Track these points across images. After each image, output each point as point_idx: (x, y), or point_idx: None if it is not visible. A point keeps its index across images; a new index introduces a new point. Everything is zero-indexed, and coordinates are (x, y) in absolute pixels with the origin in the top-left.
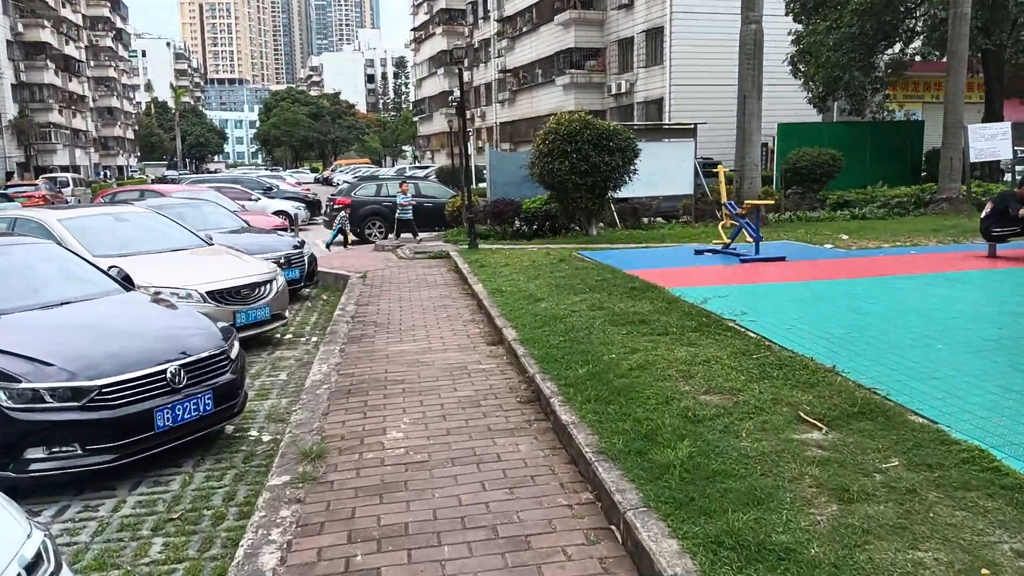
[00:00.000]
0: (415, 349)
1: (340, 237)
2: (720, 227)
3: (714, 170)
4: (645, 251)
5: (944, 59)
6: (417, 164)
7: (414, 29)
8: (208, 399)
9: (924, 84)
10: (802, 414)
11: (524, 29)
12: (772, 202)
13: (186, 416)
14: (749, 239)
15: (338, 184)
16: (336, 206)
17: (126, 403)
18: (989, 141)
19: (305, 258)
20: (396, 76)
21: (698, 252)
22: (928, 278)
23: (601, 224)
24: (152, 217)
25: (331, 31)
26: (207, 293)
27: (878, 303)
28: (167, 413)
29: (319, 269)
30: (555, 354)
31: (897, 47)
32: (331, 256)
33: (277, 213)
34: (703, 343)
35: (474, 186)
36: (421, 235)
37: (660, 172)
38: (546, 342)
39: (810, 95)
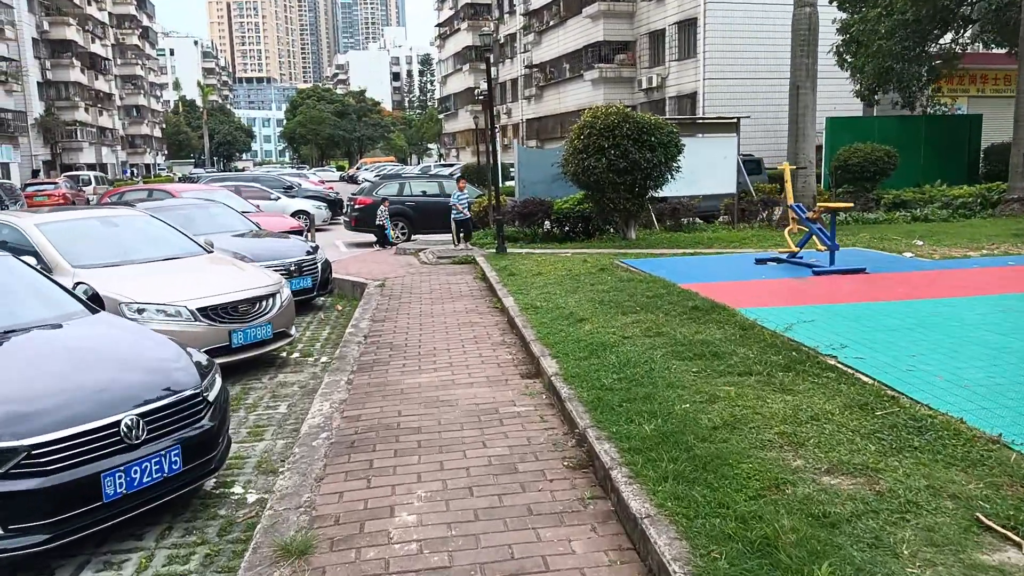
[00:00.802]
0: (435, 382)
1: (381, 235)
2: (787, 232)
3: (779, 167)
4: (694, 259)
5: (1006, 48)
6: (442, 162)
7: (439, 25)
8: (175, 456)
9: (970, 77)
10: (981, 517)
11: (551, 23)
12: (850, 205)
13: (145, 480)
14: (821, 247)
15: (362, 183)
16: (357, 206)
17: (65, 467)
18: None
19: (319, 265)
20: (421, 74)
21: (759, 261)
22: None
23: (639, 226)
24: (146, 221)
25: (357, 29)
26: (198, 310)
27: (1008, 333)
28: (119, 477)
29: (335, 276)
30: (609, 399)
31: (948, 36)
32: (349, 260)
33: (297, 213)
34: (802, 390)
35: (502, 184)
36: (444, 238)
37: (700, 169)
38: (596, 380)
39: (858, 88)
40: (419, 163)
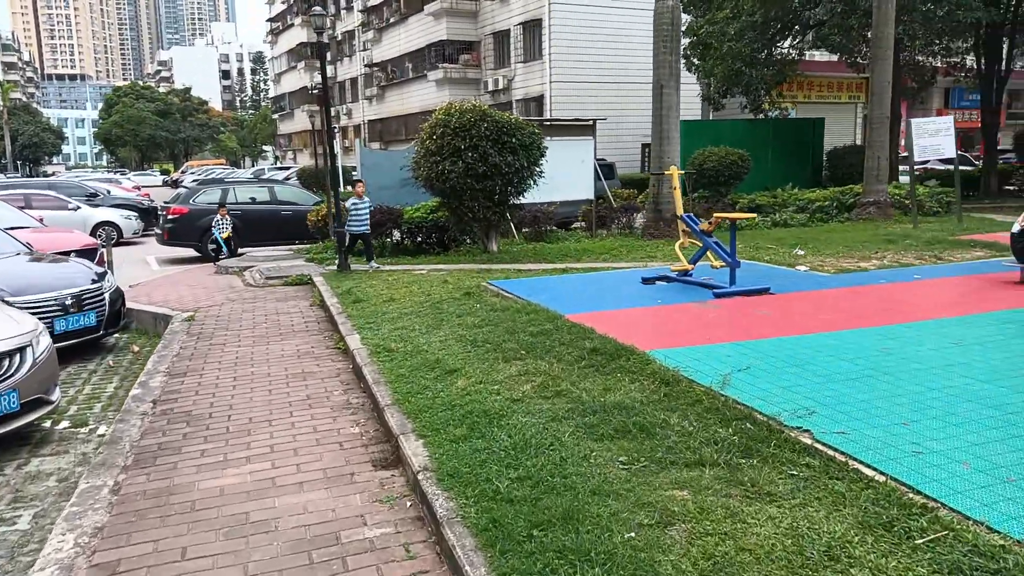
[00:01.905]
0: (247, 484)
1: (215, 246)
2: (677, 247)
3: (666, 173)
4: (571, 278)
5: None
6: (278, 165)
7: (271, 20)
8: None
9: (798, 84)
10: None
11: (391, 20)
12: (753, 216)
13: None
14: (716, 263)
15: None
16: (170, 216)
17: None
18: (933, 137)
19: (106, 296)
20: (254, 72)
21: (646, 281)
22: (996, 321)
23: (499, 237)
24: None
25: (182, 24)
26: None
27: (989, 379)
28: None
29: (134, 306)
30: (511, 524)
31: (788, 41)
32: (159, 282)
33: (101, 225)
34: (787, 493)
35: (343, 189)
36: (276, 252)
37: (558, 174)
38: (485, 483)
39: (707, 91)
40: (254, 165)
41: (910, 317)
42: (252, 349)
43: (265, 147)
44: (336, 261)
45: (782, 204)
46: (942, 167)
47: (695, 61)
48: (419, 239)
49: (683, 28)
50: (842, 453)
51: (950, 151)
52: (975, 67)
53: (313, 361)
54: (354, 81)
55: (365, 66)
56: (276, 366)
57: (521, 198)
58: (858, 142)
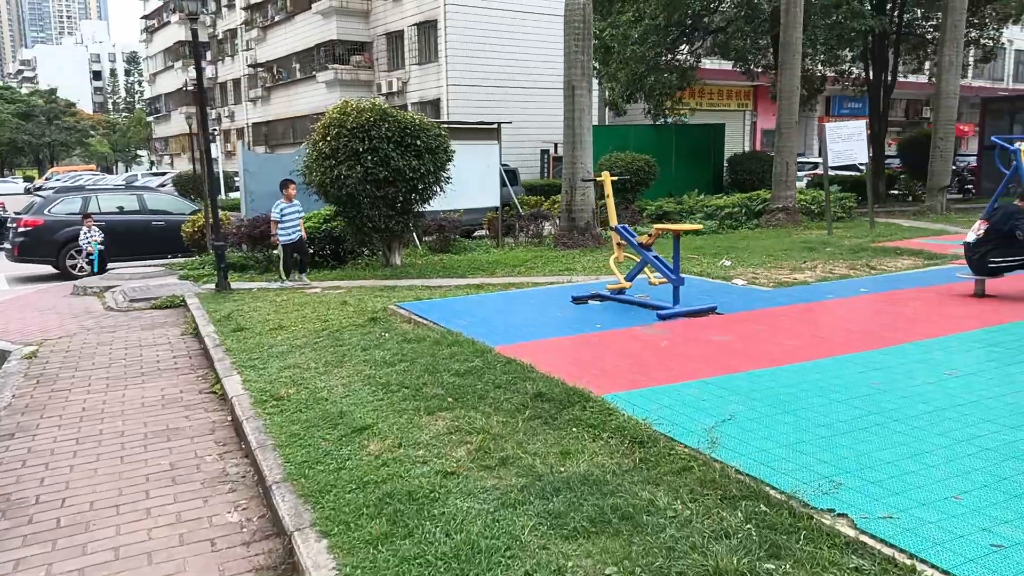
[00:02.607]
0: None
1: (88, 260)
2: (612, 262)
3: (596, 179)
4: (490, 297)
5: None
6: (154, 170)
7: (145, 17)
8: None
9: (690, 91)
10: None
11: (277, 18)
12: (699, 227)
13: None
14: (654, 280)
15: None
16: (22, 229)
17: None
18: (846, 142)
19: None
20: (128, 72)
21: (578, 300)
22: (979, 344)
23: (402, 248)
24: None
25: (48, 22)
26: None
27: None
28: None
29: None
30: None
31: (687, 47)
32: (4, 305)
33: None
34: None
35: (224, 196)
36: (145, 268)
37: (462, 180)
38: None
39: (610, 95)
40: (128, 171)
41: (884, 341)
42: (105, 396)
43: (140, 151)
44: (215, 278)
45: (689, 211)
46: (833, 172)
47: (596, 65)
48: (312, 252)
49: None
50: (901, 551)
51: (862, 156)
52: (862, 76)
53: (182, 412)
54: (237, 82)
55: (249, 66)
56: (133, 420)
57: (427, 206)
58: (747, 148)
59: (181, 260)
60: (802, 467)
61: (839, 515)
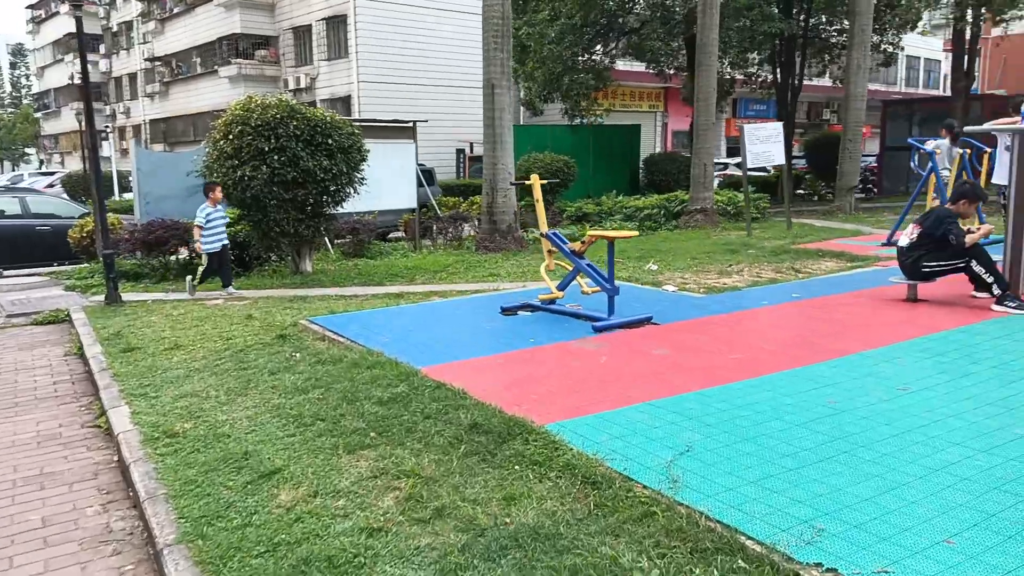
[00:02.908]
0: None
1: None
2: (543, 270)
3: (524, 182)
4: (411, 309)
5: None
6: (42, 170)
7: (31, 7)
8: None
9: (603, 92)
10: None
11: (176, 10)
12: (634, 234)
13: None
14: (587, 288)
15: None
16: None
17: None
18: (764, 144)
19: None
20: (13, 66)
21: (507, 311)
22: (924, 354)
23: (314, 252)
24: None
25: None
26: None
27: (996, 446)
28: None
29: None
30: None
31: (603, 48)
32: None
33: None
34: None
35: (118, 197)
36: (27, 278)
37: (376, 180)
38: None
39: (527, 95)
40: (14, 170)
41: (829, 352)
42: None
43: (28, 149)
44: (104, 290)
45: (608, 212)
46: (740, 173)
47: (513, 64)
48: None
49: None
50: None
51: (780, 157)
52: (770, 78)
53: (59, 451)
54: (133, 76)
55: (146, 60)
56: (1, 463)
57: (339, 208)
58: (658, 150)
59: (68, 268)
60: (776, 509)
61: (828, 570)
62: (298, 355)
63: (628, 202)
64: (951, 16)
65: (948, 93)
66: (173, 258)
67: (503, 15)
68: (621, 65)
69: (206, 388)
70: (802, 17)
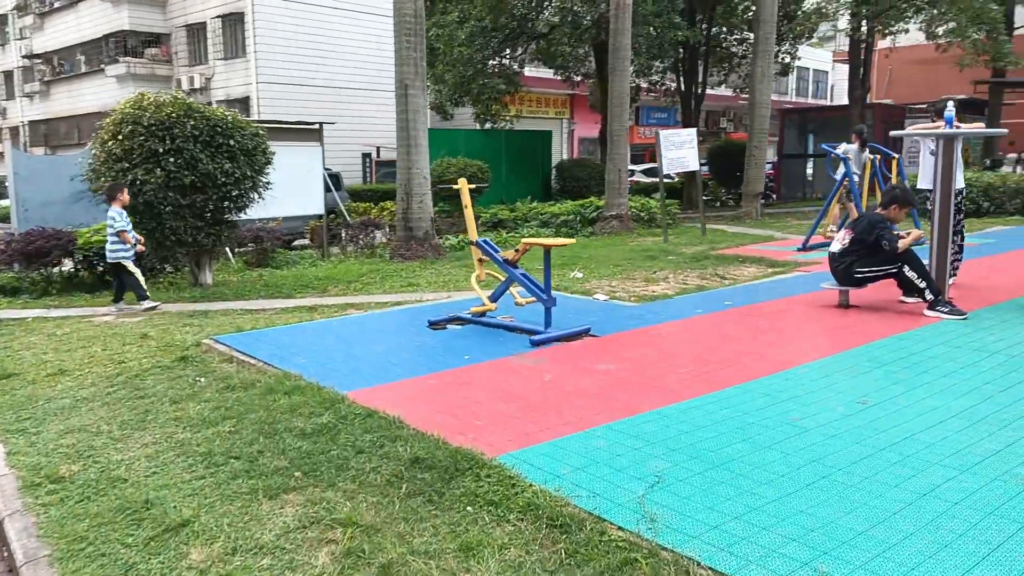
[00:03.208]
0: None
1: None
2: (473, 280)
3: (454, 186)
4: (329, 324)
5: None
6: None
7: None
8: None
9: (511, 98)
10: None
11: (57, 4)
12: (571, 241)
13: None
14: (520, 300)
15: None
16: None
17: None
18: (679, 150)
19: None
20: None
21: (436, 325)
22: (873, 364)
23: (214, 262)
24: None
25: None
26: None
27: (982, 466)
28: None
29: None
30: None
31: (513, 52)
32: None
33: None
34: None
35: None
36: None
37: (283, 185)
38: None
39: (437, 99)
40: None
41: (776, 363)
42: None
43: None
44: None
45: (524, 219)
46: (648, 179)
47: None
48: (101, 269)
49: None
50: None
51: (694, 163)
52: (674, 87)
53: None
54: (9, 75)
55: (24, 57)
56: None
57: (242, 214)
58: (565, 156)
59: None
60: (771, 550)
61: None
62: (203, 380)
63: (543, 208)
64: (849, 28)
65: (835, 102)
66: (56, 270)
67: (416, 13)
68: (529, 71)
69: (97, 421)
70: (704, 26)
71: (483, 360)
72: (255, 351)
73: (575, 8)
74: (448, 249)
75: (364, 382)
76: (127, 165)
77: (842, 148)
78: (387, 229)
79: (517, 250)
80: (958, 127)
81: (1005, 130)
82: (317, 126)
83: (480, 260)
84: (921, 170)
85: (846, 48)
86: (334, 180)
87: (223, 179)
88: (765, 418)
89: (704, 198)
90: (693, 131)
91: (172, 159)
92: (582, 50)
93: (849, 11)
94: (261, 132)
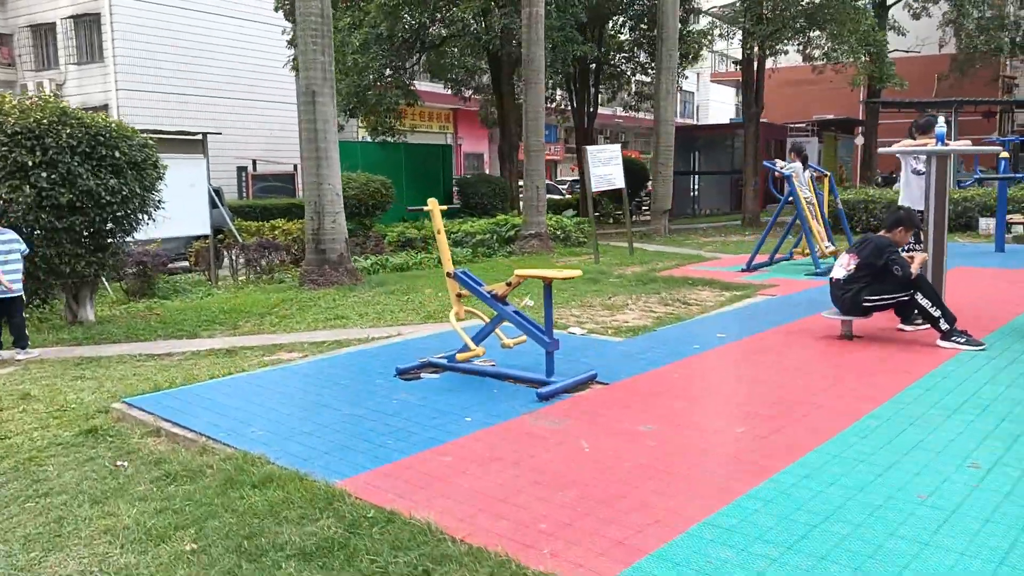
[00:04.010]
0: None
1: None
2: (453, 320)
3: (424, 208)
4: (268, 376)
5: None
6: None
7: None
8: None
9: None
10: None
11: None
12: (578, 273)
13: None
14: (507, 340)
15: None
16: None
17: None
18: (606, 166)
19: None
20: None
21: (404, 374)
22: (942, 412)
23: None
24: None
25: None
26: None
27: None
28: None
29: None
30: None
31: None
32: None
33: None
34: None
35: None
36: None
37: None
38: None
39: None
40: None
41: (835, 415)
42: None
43: None
44: None
45: (433, 238)
46: (556, 196)
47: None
48: None
49: (289, 36)
50: None
51: (620, 180)
52: (565, 104)
53: None
54: None
55: None
56: None
57: (128, 239)
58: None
59: None
60: None
61: None
62: (127, 465)
63: (455, 226)
64: (745, 48)
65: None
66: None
67: (322, 13)
68: (416, 84)
69: None
70: (596, 43)
71: (490, 423)
72: (188, 420)
73: (466, 19)
74: (362, 272)
75: (355, 464)
76: None
77: (780, 164)
78: (283, 253)
79: (509, 283)
80: (947, 144)
81: (999, 147)
82: (200, 136)
83: (459, 295)
84: (903, 188)
85: (722, 69)
86: (217, 196)
87: (108, 198)
88: (888, 497)
89: (597, 215)
90: (618, 147)
91: (45, 174)
92: (477, 62)
93: (746, 32)
94: (151, 142)
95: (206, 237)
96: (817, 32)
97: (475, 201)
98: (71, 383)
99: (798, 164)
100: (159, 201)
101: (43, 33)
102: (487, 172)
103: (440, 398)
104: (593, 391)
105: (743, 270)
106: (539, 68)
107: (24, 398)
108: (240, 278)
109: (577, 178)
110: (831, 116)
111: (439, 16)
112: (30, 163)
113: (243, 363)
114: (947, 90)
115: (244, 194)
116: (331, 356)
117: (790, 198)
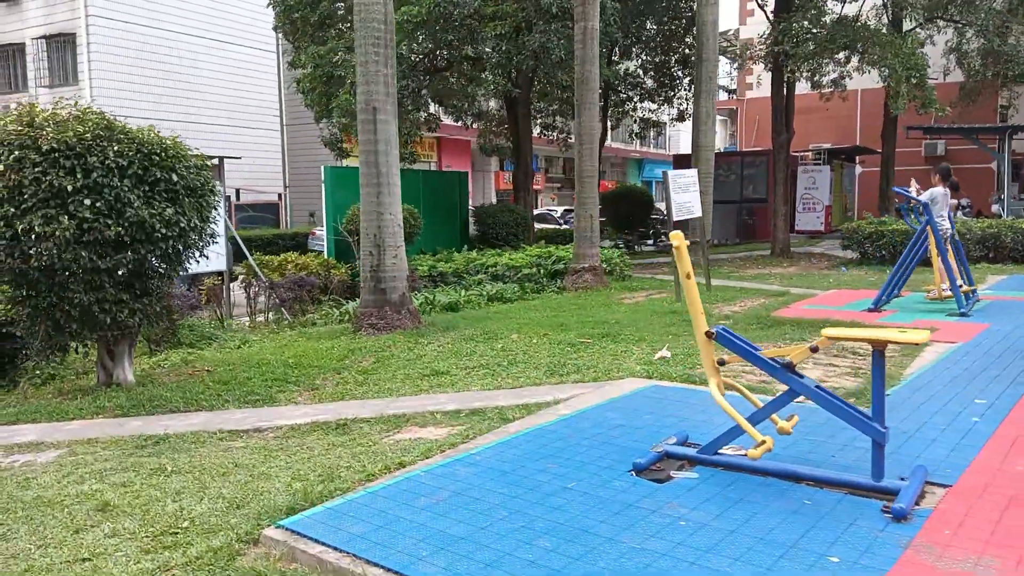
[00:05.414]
0: None
1: None
2: (717, 394)
3: (672, 241)
4: (450, 471)
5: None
6: None
7: None
8: None
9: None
10: None
11: None
12: (925, 339)
13: None
14: (781, 423)
15: None
16: None
17: None
18: (685, 192)
19: None
20: None
21: (647, 472)
22: None
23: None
24: None
25: None
26: None
27: None
28: None
29: None
30: None
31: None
32: None
33: None
34: None
35: None
36: None
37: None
38: None
39: (327, 134)
40: None
41: None
42: None
43: None
44: None
45: (465, 271)
46: (549, 226)
47: (312, 100)
48: None
49: (290, 58)
50: None
51: (699, 209)
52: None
53: None
54: None
55: None
56: None
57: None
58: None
59: None
60: None
61: None
62: None
63: (489, 259)
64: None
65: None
66: None
67: (385, 20)
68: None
69: None
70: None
71: (877, 570)
72: (391, 559)
73: (498, 40)
74: (426, 311)
75: None
76: (12, 210)
77: (913, 189)
78: (316, 289)
79: (814, 348)
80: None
81: None
82: (216, 161)
83: (720, 364)
84: None
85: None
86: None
87: (163, 230)
88: None
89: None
90: (695, 172)
91: (88, 201)
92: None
93: (784, 55)
94: (208, 164)
95: (220, 274)
96: (847, 53)
97: (494, 232)
98: (155, 481)
99: (940, 189)
100: (213, 234)
101: (12, 53)
102: (515, 200)
103: (737, 515)
104: (945, 503)
105: (871, 309)
106: (594, 88)
107: (103, 510)
108: (260, 319)
109: (572, 207)
110: (828, 145)
111: (466, 36)
112: (69, 187)
113: (371, 443)
114: (957, 118)
115: (237, 224)
116: (506, 439)
117: (927, 227)
